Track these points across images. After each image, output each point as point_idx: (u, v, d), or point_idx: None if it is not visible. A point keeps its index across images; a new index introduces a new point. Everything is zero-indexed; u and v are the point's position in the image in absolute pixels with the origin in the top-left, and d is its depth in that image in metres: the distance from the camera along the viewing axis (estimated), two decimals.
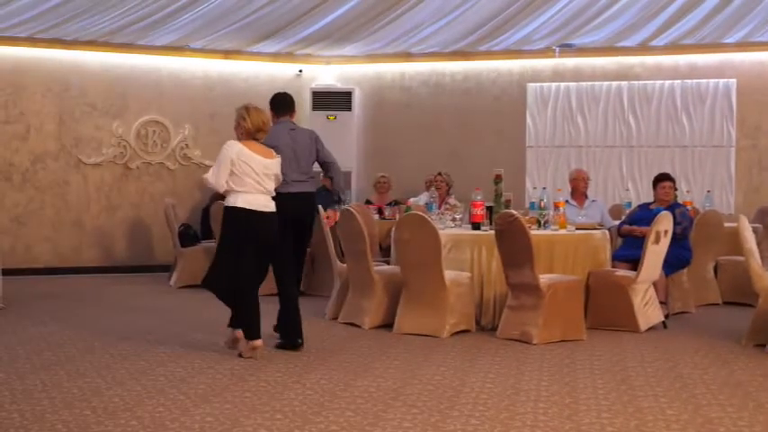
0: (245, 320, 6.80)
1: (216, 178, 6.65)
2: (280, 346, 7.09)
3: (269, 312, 7.25)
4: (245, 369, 6.22)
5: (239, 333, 6.85)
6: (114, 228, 12.88)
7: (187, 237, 11.50)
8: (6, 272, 9.64)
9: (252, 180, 6.63)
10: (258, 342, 6.70)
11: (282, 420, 4.88)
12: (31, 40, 12.33)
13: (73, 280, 11.82)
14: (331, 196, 10.68)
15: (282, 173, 7.00)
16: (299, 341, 7.09)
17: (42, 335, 7.60)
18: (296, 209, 7.23)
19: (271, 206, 6.76)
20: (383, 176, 11.91)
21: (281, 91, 7.85)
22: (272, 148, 6.94)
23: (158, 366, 6.29)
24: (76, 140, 12.71)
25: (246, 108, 6.84)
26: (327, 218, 7.83)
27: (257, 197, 6.68)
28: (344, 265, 8.54)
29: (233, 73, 13.52)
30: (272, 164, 6.79)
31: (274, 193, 6.82)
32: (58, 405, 5.15)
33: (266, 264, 7.11)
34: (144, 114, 12.98)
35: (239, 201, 6.64)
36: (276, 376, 6.00)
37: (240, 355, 6.70)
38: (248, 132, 6.76)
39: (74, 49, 12.60)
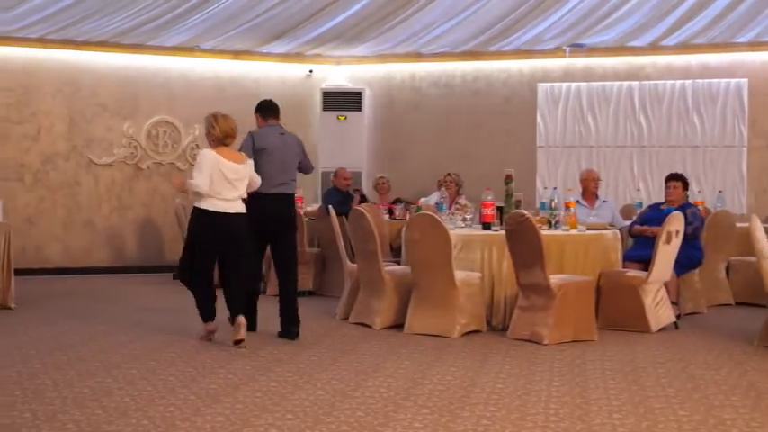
0: (200, 307, 7.35)
1: (201, 181, 7.04)
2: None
3: (272, 312, 7.18)
4: (255, 369, 6.22)
5: (210, 326, 7.35)
6: (125, 228, 12.91)
7: None
8: (18, 272, 9.66)
9: (220, 185, 7.07)
10: (213, 325, 7.32)
11: (293, 420, 4.87)
12: (43, 41, 12.38)
13: (84, 280, 11.85)
14: (341, 196, 10.76)
15: (269, 174, 7.47)
16: (295, 330, 7.50)
17: (53, 335, 7.62)
18: (278, 209, 7.59)
19: (237, 208, 7.19)
20: (381, 177, 11.93)
21: (267, 99, 8.19)
22: (262, 149, 7.52)
23: (169, 366, 6.30)
24: (87, 141, 12.75)
25: (214, 116, 7.27)
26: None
27: (222, 201, 7.11)
28: (355, 265, 8.54)
29: (243, 73, 13.54)
30: (242, 168, 7.20)
31: (245, 195, 7.24)
32: (70, 404, 5.16)
33: (237, 260, 7.34)
34: (154, 115, 13.02)
35: (204, 203, 7.12)
36: (287, 376, 6.00)
37: (204, 339, 7.31)
38: (218, 139, 7.19)
39: (85, 49, 12.66)
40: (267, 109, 7.95)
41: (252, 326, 7.47)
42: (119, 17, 11.81)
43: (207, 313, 7.33)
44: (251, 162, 7.35)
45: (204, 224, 7.15)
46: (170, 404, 5.19)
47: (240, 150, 7.47)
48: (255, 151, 7.57)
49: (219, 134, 7.18)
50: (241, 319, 7.08)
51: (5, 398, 5.31)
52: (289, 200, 7.72)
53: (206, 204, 7.11)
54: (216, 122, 7.21)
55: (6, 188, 12.21)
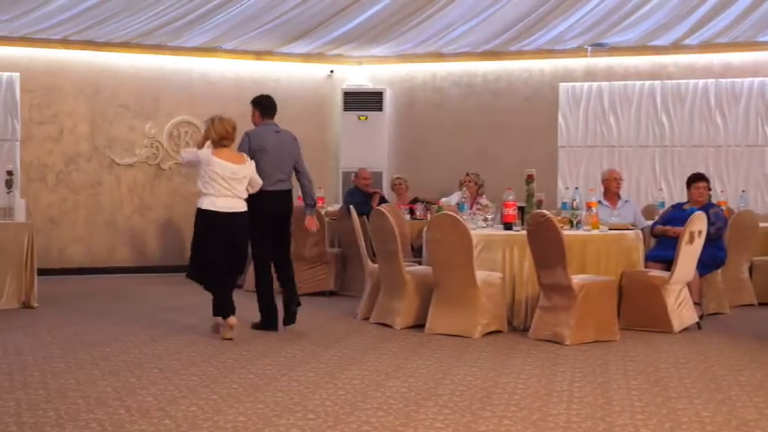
0: (216, 303, 7.56)
1: (189, 156, 7.69)
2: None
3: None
4: (277, 369, 6.23)
5: (219, 320, 7.54)
6: (147, 228, 12.97)
7: None
8: (41, 272, 9.74)
9: (218, 184, 7.40)
10: (232, 320, 7.38)
11: (315, 420, 4.88)
12: (65, 42, 12.45)
13: (106, 280, 11.92)
14: (363, 196, 10.76)
15: (267, 172, 7.74)
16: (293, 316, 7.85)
17: (77, 334, 7.66)
18: (276, 205, 7.88)
19: (237, 207, 7.50)
20: (399, 178, 11.92)
21: (266, 94, 8.44)
22: (260, 149, 7.76)
23: (191, 366, 6.32)
24: (109, 141, 12.82)
25: (212, 119, 7.61)
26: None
27: (222, 200, 7.43)
28: (376, 265, 8.54)
29: (264, 74, 13.57)
30: (241, 168, 7.50)
31: (245, 195, 7.54)
32: (93, 404, 5.19)
33: (238, 257, 7.67)
34: (176, 115, 13.07)
35: (205, 203, 7.47)
36: (309, 376, 6.01)
37: (224, 338, 7.39)
38: (214, 141, 7.53)
39: (106, 50, 12.72)
40: (267, 107, 8.16)
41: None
42: (140, 18, 11.85)
43: (223, 308, 7.47)
44: (252, 163, 7.62)
45: (205, 223, 7.48)
46: (192, 404, 5.21)
47: (238, 150, 7.76)
48: (253, 151, 7.78)
49: (215, 136, 7.50)
50: (232, 320, 7.39)
51: (29, 397, 5.35)
52: (286, 196, 8.01)
53: (206, 204, 7.46)
54: (212, 125, 7.54)
55: (29, 188, 12.29)
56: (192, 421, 4.83)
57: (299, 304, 7.90)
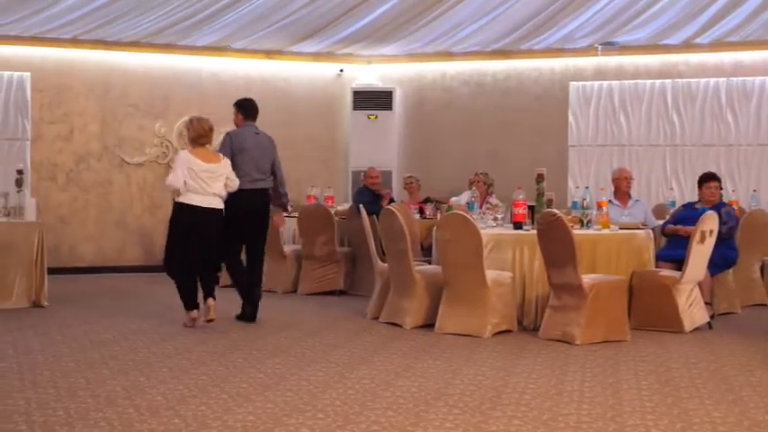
0: (184, 295, 7.98)
1: (175, 180, 7.82)
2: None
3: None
4: (286, 368, 6.23)
5: (193, 314, 7.96)
6: (157, 227, 12.95)
7: None
8: (51, 270, 9.75)
9: (194, 182, 7.79)
10: (194, 313, 7.92)
11: (324, 420, 4.87)
12: (75, 42, 12.48)
13: (116, 279, 11.93)
14: (372, 196, 10.75)
15: (245, 171, 8.21)
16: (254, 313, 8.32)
17: (86, 333, 7.67)
18: (253, 202, 8.33)
19: (213, 203, 7.92)
20: (410, 177, 11.90)
21: (248, 97, 8.89)
22: (241, 149, 8.26)
23: (200, 365, 6.32)
24: (119, 141, 12.84)
25: (190, 120, 8.13)
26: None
27: (199, 197, 7.83)
28: (385, 264, 8.52)
29: (273, 73, 13.59)
30: (217, 167, 7.91)
31: (222, 192, 7.95)
32: (102, 403, 5.19)
33: (210, 252, 8.07)
34: (185, 114, 13.02)
35: (181, 198, 7.87)
36: (318, 375, 6.00)
37: (185, 325, 7.95)
38: (192, 140, 8.01)
39: (116, 50, 12.76)
40: (249, 110, 8.63)
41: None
42: (150, 17, 11.87)
43: (190, 303, 7.96)
44: (227, 161, 8.03)
45: (180, 217, 7.91)
46: (201, 403, 5.21)
47: (220, 150, 8.27)
48: (234, 151, 8.26)
49: (193, 135, 7.97)
50: (211, 301, 7.88)
51: (39, 396, 5.35)
52: (263, 194, 8.44)
53: (183, 199, 7.86)
54: (190, 125, 8.02)
55: (40, 187, 12.33)
56: (202, 420, 4.83)
57: (257, 307, 8.34)
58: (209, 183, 7.83)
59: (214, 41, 12.92)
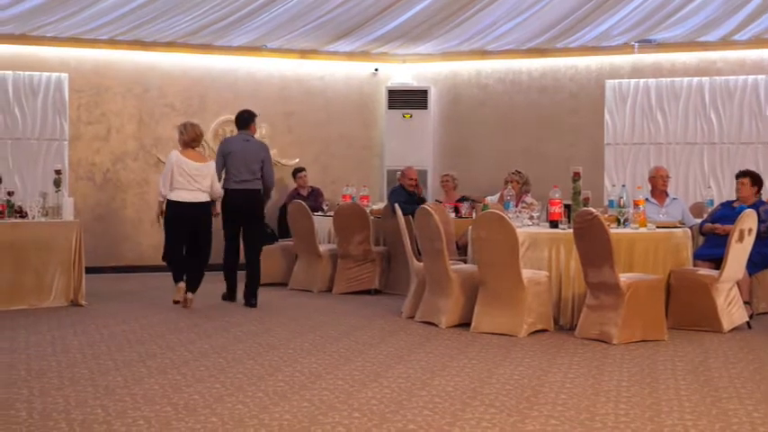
0: (173, 272, 9.15)
1: (164, 187, 9.00)
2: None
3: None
4: (322, 367, 6.24)
5: (181, 284, 9.05)
6: None
7: (265, 235, 11.58)
8: (89, 270, 9.86)
9: (184, 180, 8.90)
10: (181, 284, 9.04)
11: (360, 419, 4.87)
12: (112, 42, 12.59)
13: (154, 278, 11.99)
14: (407, 195, 10.74)
15: (232, 172, 9.37)
16: (253, 301, 9.32)
17: (124, 332, 7.73)
18: (240, 201, 9.37)
19: (200, 198, 9.00)
20: (446, 175, 11.87)
21: (245, 109, 9.86)
22: (228, 152, 9.43)
23: (237, 364, 6.35)
24: (156, 140, 12.94)
25: (184, 125, 9.25)
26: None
27: (187, 192, 8.92)
28: (421, 263, 8.52)
29: (308, 72, 13.63)
30: (203, 167, 9.06)
31: (209, 189, 9.06)
32: (140, 401, 5.23)
33: (201, 241, 9.12)
34: (221, 114, 13.14)
35: (172, 195, 8.94)
36: (354, 374, 6.00)
37: (174, 300, 9.13)
38: (185, 143, 9.12)
39: (153, 50, 12.85)
40: (238, 121, 9.81)
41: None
42: (186, 18, 11.94)
43: (177, 277, 9.08)
44: (212, 163, 9.22)
45: (172, 213, 8.93)
46: (238, 401, 5.23)
47: (217, 152, 9.66)
48: (223, 154, 9.48)
49: (187, 139, 9.09)
50: (189, 294, 9.01)
51: (78, 394, 5.40)
52: (250, 194, 9.43)
53: (174, 196, 8.92)
54: (185, 129, 9.13)
55: (78, 187, 12.45)
56: (239, 419, 4.85)
57: (256, 296, 9.33)
58: (197, 180, 8.93)
59: (249, 41, 12.97)
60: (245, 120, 9.73)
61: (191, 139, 9.10)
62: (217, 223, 9.41)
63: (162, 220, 9.09)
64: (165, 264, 9.38)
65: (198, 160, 9.08)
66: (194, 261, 9.11)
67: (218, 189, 9.21)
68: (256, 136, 9.96)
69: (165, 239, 9.17)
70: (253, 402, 5.21)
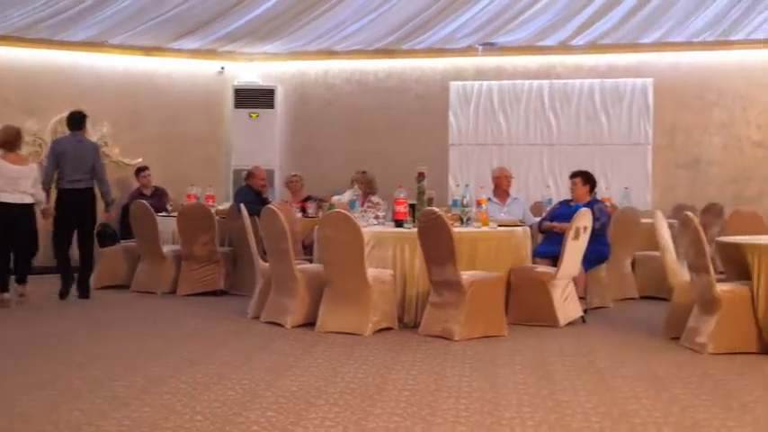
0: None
1: None
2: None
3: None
4: (165, 371, 6.12)
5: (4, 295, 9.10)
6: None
7: (106, 236, 11.31)
8: None
9: (4, 182, 8.94)
10: (5, 295, 9.08)
11: (203, 422, 4.81)
12: None
13: None
14: (254, 195, 10.67)
15: (65, 173, 9.60)
16: (86, 294, 9.73)
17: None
18: (72, 201, 9.63)
19: (22, 200, 9.05)
20: (294, 175, 11.85)
21: (77, 110, 10.08)
22: (62, 153, 9.64)
23: (75, 370, 6.17)
24: None
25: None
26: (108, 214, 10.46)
27: (8, 194, 8.97)
28: (267, 263, 8.48)
29: (154, 69, 13.38)
30: (25, 170, 9.14)
31: (32, 190, 9.12)
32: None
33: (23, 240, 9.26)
34: (63, 111, 12.69)
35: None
36: (197, 377, 5.92)
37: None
38: (1, 145, 9.11)
39: None
40: (69, 122, 10.05)
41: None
42: (21, 11, 11.50)
43: (2, 285, 9.08)
44: (35, 166, 9.41)
45: None
46: (75, 408, 5.07)
47: (47, 154, 10.00)
48: (57, 154, 9.68)
49: (2, 140, 9.09)
50: (21, 287, 9.16)
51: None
52: (82, 194, 9.67)
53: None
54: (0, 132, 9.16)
55: None
56: (76, 426, 4.70)
57: (88, 289, 9.75)
58: (18, 182, 8.98)
59: (91, 36, 12.60)
60: (77, 120, 9.91)
61: (6, 141, 9.12)
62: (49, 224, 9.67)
63: None
64: None
65: (18, 163, 9.13)
66: (19, 255, 9.26)
67: (39, 192, 9.26)
68: (98, 134, 9.82)
69: None
70: (91, 409, 5.07)
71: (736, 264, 7.06)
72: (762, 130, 12.60)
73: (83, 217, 9.74)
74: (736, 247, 7.14)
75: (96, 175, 9.79)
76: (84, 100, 12.62)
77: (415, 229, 7.83)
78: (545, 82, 12.94)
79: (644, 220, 9.97)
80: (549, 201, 11.48)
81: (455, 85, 13.20)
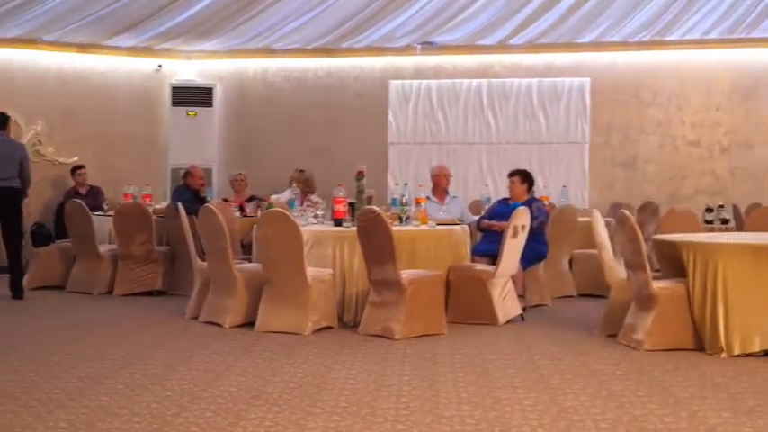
0: None
1: None
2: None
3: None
4: (101, 372, 6.04)
5: None
6: None
7: (41, 236, 11.12)
8: None
9: None
10: None
11: (141, 423, 4.75)
12: None
13: None
14: (191, 193, 10.57)
15: None
16: (20, 294, 9.68)
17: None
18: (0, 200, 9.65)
19: None
20: (239, 174, 11.76)
21: (1, 111, 9.98)
22: None
23: (9, 372, 6.05)
24: None
25: None
26: None
27: None
28: (205, 263, 8.40)
29: (89, 67, 13.19)
30: None
31: None
32: None
33: None
34: None
35: None
36: (135, 378, 5.84)
37: None
38: None
39: None
40: None
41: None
42: None
43: None
44: None
45: None
46: (8, 411, 4.96)
47: None
48: None
49: None
50: None
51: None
52: (8, 192, 9.65)
53: None
54: None
55: None
56: (9, 429, 4.62)
57: (22, 290, 9.71)
58: None
59: (24, 33, 12.37)
60: (1, 122, 9.90)
61: None
62: None
63: None
64: None
65: None
66: None
67: None
68: (32, 133, 9.74)
69: None
70: (26, 411, 4.98)
71: (672, 261, 7.17)
72: (696, 129, 12.83)
73: (9, 216, 9.73)
74: (672, 244, 7.25)
75: (22, 173, 9.76)
76: (17, 98, 12.44)
77: (355, 228, 7.82)
78: (484, 81, 13.04)
79: (581, 219, 10.07)
80: (488, 199, 11.56)
81: (394, 84, 13.23)
